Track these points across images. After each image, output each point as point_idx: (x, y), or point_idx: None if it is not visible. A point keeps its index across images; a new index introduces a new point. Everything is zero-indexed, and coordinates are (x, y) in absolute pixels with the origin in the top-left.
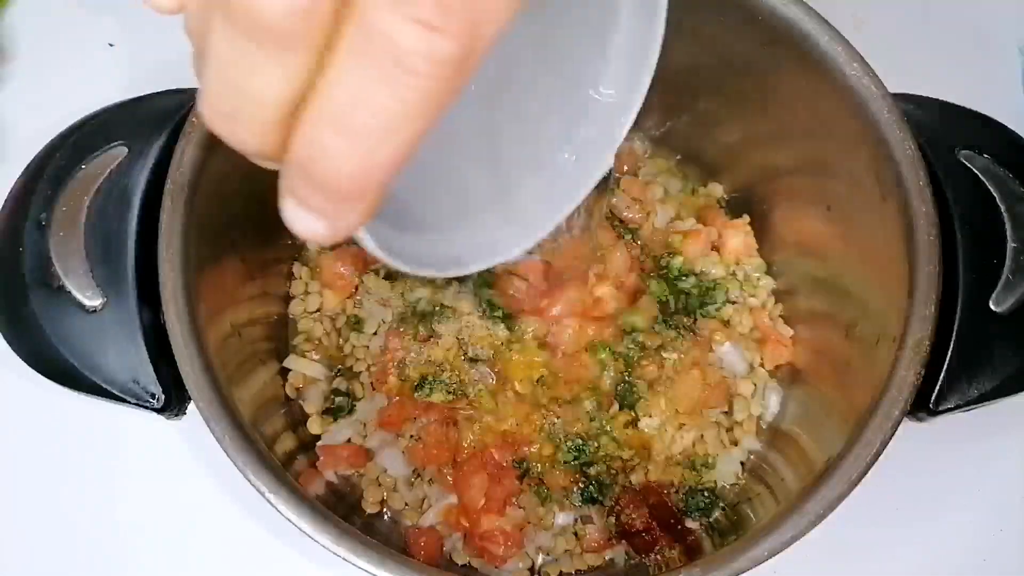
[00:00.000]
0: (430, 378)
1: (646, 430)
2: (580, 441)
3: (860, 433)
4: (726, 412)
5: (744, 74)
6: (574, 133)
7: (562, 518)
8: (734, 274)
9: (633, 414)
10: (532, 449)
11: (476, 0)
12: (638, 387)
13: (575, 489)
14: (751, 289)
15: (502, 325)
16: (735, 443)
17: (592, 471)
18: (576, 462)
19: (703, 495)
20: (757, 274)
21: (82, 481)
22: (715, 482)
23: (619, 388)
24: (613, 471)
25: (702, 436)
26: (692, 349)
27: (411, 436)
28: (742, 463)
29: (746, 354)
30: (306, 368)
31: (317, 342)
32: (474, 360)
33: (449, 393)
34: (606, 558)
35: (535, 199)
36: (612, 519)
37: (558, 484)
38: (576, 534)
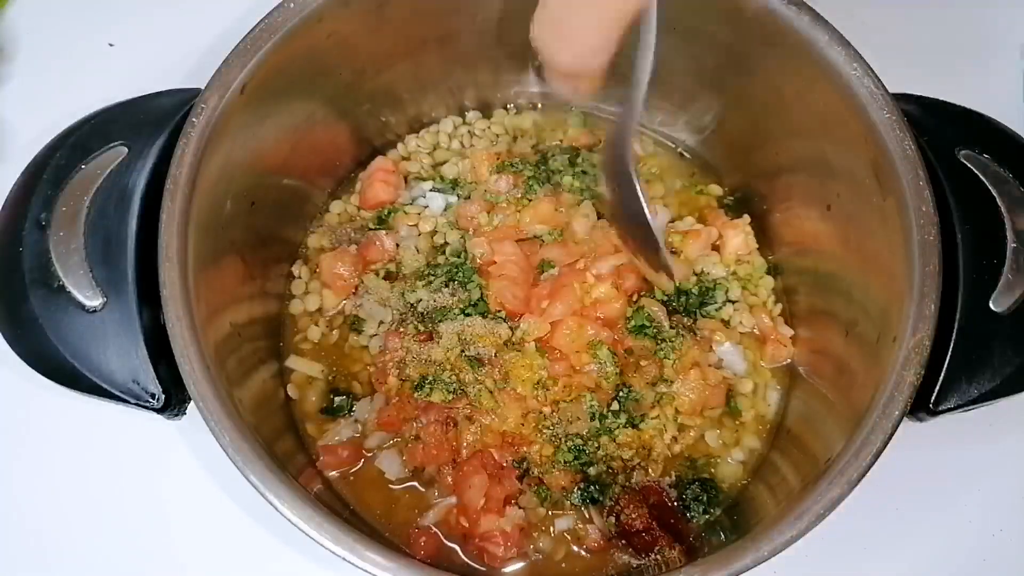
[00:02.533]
0: (430, 378)
1: (647, 430)
2: (580, 441)
3: (860, 433)
4: (727, 412)
5: (745, 74)
6: None
7: (562, 523)
8: (735, 273)
9: (632, 414)
10: (532, 449)
11: None
12: (637, 388)
13: (575, 489)
14: (752, 288)
15: (504, 324)
16: (737, 442)
17: (592, 471)
18: (576, 462)
19: (697, 485)
20: (757, 274)
21: (82, 481)
22: (713, 472)
23: (619, 389)
24: (613, 471)
25: (703, 436)
26: (692, 349)
27: (412, 436)
28: (743, 462)
29: (746, 353)
30: (307, 368)
31: (316, 341)
32: (476, 360)
33: (449, 392)
34: (607, 560)
35: None
36: (612, 519)
37: (558, 484)
38: (577, 535)
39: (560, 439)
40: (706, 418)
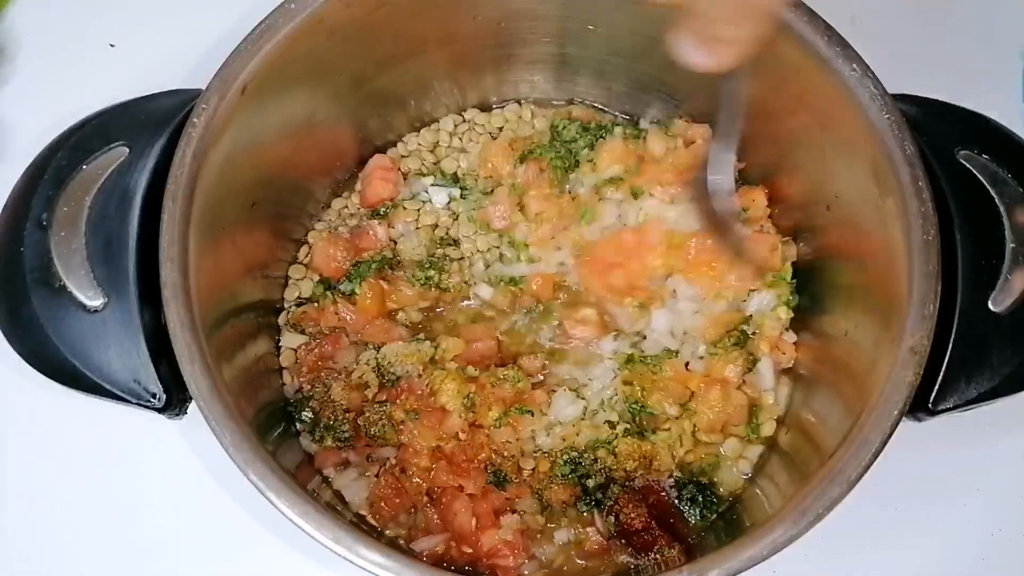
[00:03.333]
0: (323, 421)
1: (655, 442)
2: (576, 454)
3: (859, 432)
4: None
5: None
6: None
7: (562, 535)
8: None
9: (645, 427)
10: (490, 452)
11: None
12: (654, 405)
13: (575, 502)
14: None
15: (427, 343)
16: (746, 451)
17: (591, 483)
18: (574, 475)
19: (694, 486)
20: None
21: (82, 480)
22: (716, 479)
23: (631, 407)
24: (613, 480)
25: (720, 446)
26: (739, 358)
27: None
28: (747, 470)
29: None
30: (291, 342)
31: (298, 320)
32: (391, 380)
33: (341, 441)
34: (606, 560)
35: None
36: (611, 518)
37: (558, 499)
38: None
39: (556, 453)
40: (726, 434)
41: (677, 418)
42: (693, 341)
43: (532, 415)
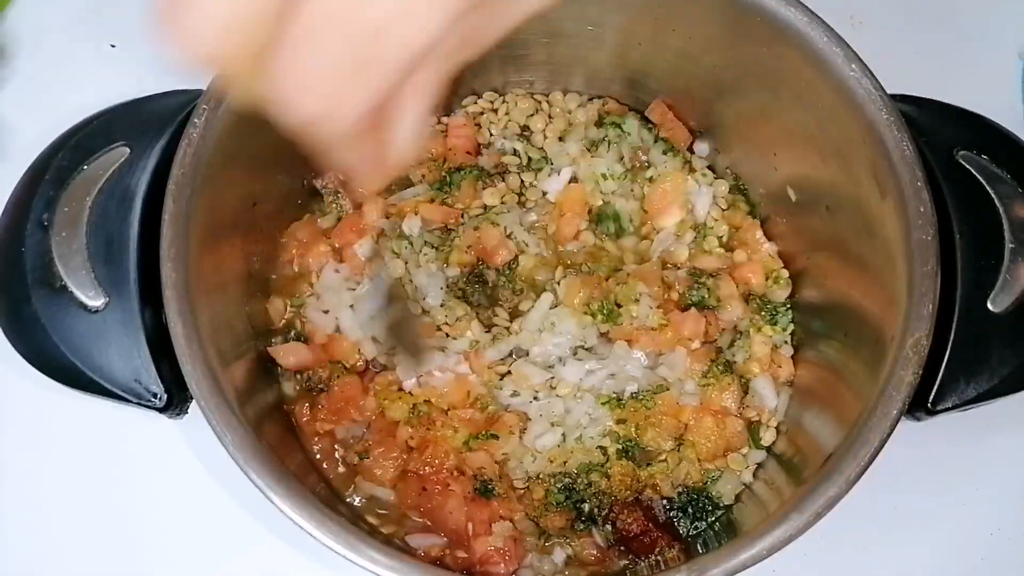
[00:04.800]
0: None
1: (651, 472)
2: (569, 480)
3: (858, 432)
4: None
5: (743, 75)
6: None
7: (559, 555)
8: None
9: (637, 460)
10: (460, 463)
11: None
12: (649, 441)
13: (571, 525)
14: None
15: None
16: (748, 463)
17: (586, 507)
18: (568, 502)
19: (685, 495)
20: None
21: (83, 480)
22: (717, 493)
23: (624, 443)
24: (608, 505)
25: (721, 474)
26: (731, 386)
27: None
28: (747, 480)
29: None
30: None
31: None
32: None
33: None
34: (606, 566)
35: None
36: (608, 526)
37: (555, 525)
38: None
39: (547, 478)
40: (727, 456)
41: (672, 450)
42: (679, 381)
43: (498, 439)
